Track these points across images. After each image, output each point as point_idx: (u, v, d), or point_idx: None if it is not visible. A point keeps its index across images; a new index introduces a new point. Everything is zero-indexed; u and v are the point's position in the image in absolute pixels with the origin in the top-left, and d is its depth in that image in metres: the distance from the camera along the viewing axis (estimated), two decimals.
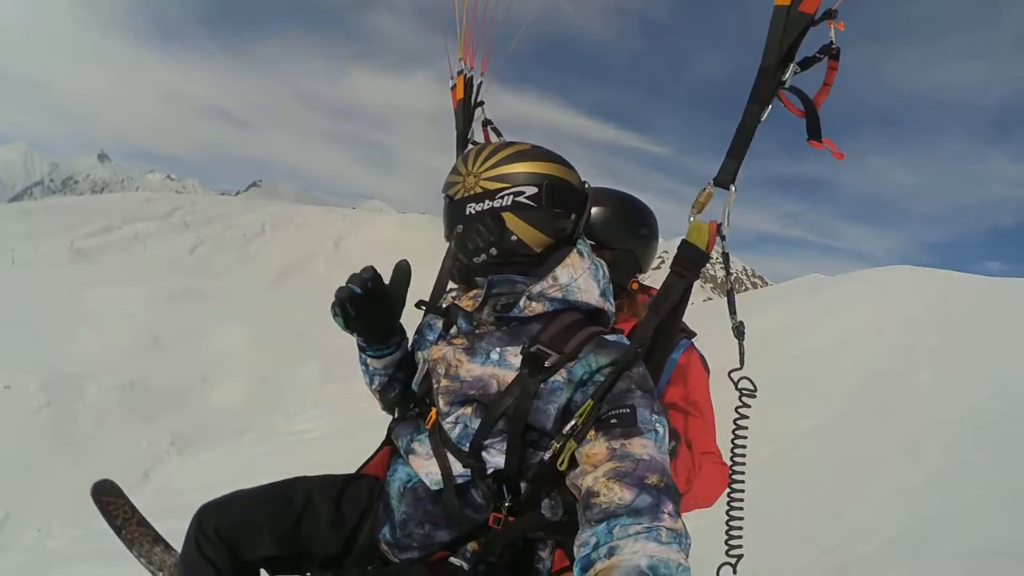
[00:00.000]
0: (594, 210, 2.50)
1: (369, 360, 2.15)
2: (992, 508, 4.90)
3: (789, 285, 20.08)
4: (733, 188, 1.79)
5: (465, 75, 2.77)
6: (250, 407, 13.32)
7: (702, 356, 2.54)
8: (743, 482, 1.95)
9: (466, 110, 2.77)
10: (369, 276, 1.93)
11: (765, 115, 1.73)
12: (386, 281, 2.02)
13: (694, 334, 2.49)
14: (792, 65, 1.70)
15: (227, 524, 2.00)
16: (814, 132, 1.71)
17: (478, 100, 2.79)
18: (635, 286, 2.65)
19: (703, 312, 16.23)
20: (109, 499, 2.63)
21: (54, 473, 9.76)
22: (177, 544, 2.20)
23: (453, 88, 2.81)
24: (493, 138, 2.74)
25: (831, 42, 1.71)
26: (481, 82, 2.77)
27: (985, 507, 4.92)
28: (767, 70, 1.70)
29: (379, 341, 2.10)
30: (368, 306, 1.95)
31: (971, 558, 4.20)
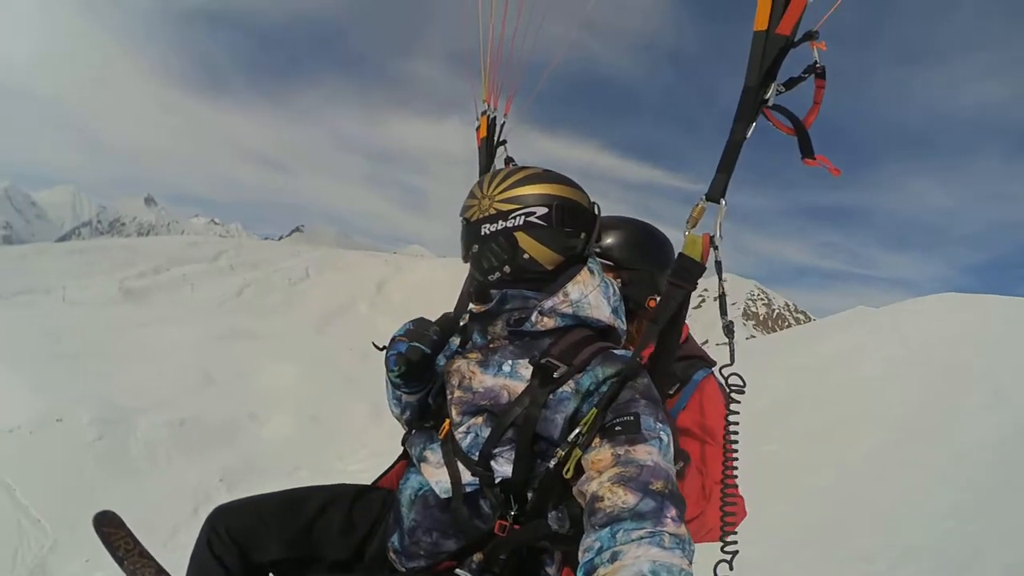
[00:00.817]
0: (612, 235, 2.62)
1: (404, 396, 2.20)
2: None
3: (836, 318, 20.19)
4: (723, 201, 1.83)
5: (488, 116, 2.90)
6: (301, 445, 13.37)
7: (722, 385, 2.43)
8: (736, 476, 1.93)
9: (488, 148, 2.89)
10: (438, 337, 2.03)
11: (750, 132, 1.77)
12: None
13: (714, 363, 2.50)
14: (774, 85, 1.74)
15: (239, 526, 2.08)
16: (806, 150, 1.75)
17: (500, 139, 2.90)
18: (652, 304, 2.67)
19: (745, 348, 16.06)
20: (110, 530, 2.64)
21: (105, 505, 9.61)
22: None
23: (478, 128, 2.94)
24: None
25: (815, 62, 1.75)
26: (504, 122, 2.89)
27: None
28: (749, 90, 1.74)
29: (418, 381, 2.15)
30: (425, 360, 2.03)
31: (1020, 572, 4.54)
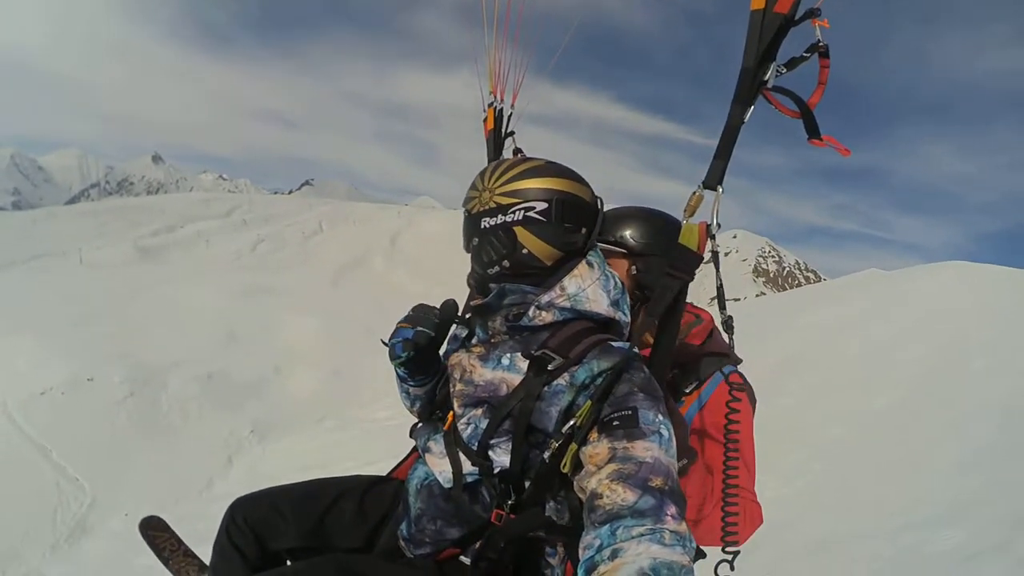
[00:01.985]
0: (628, 225, 2.55)
1: (411, 389, 2.22)
2: None
3: (848, 280, 20.27)
4: (720, 189, 1.80)
5: (495, 107, 2.86)
6: (325, 396, 13.55)
7: (748, 384, 2.39)
8: (736, 477, 1.94)
9: (496, 140, 2.86)
10: (440, 321, 2.03)
11: (748, 116, 1.73)
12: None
13: (739, 360, 2.38)
14: (773, 65, 1.70)
15: (256, 516, 2.15)
16: (812, 131, 1.71)
17: (508, 131, 2.88)
18: None
19: (755, 307, 16.12)
20: (156, 533, 2.73)
21: (140, 461, 9.98)
22: None
23: (484, 120, 2.90)
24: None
25: (818, 40, 1.71)
26: (511, 114, 2.87)
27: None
28: (747, 71, 1.70)
29: (423, 373, 2.17)
30: (430, 346, 2.04)
31: (1016, 521, 4.81)
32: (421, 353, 2.05)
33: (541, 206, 1.87)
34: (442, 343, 2.12)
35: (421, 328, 2.00)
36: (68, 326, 13.24)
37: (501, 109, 2.84)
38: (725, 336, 2.10)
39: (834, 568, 4.99)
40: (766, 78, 1.69)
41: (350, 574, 1.89)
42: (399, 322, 2.06)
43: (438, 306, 2.09)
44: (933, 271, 16.28)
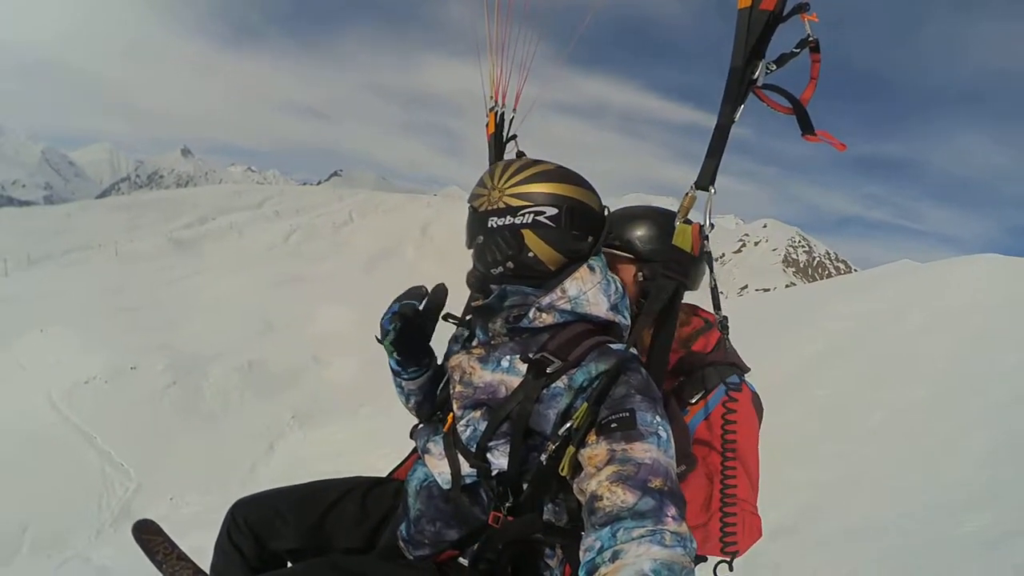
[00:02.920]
0: (637, 227, 2.35)
1: (404, 383, 2.13)
2: None
3: (881, 271, 19.56)
4: (712, 190, 1.72)
5: (496, 112, 2.65)
6: (363, 384, 13.57)
7: (755, 393, 2.30)
8: (734, 481, 1.86)
9: (497, 144, 2.64)
10: (438, 297, 1.95)
11: (738, 115, 1.65)
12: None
13: (747, 369, 2.26)
14: (762, 63, 1.60)
15: (256, 517, 2.05)
16: (805, 127, 1.62)
17: (510, 135, 2.64)
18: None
19: (787, 297, 15.95)
20: (149, 536, 2.65)
21: (184, 447, 10.10)
22: None
23: (487, 125, 2.68)
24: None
25: (808, 35, 1.60)
26: (512, 117, 2.65)
27: None
28: (736, 70, 1.64)
29: (415, 363, 2.09)
30: (418, 324, 1.98)
31: (1007, 527, 4.71)
32: (410, 336, 2.01)
33: (551, 211, 1.80)
34: (433, 329, 2.07)
35: (407, 301, 1.95)
36: (108, 317, 13.44)
37: (502, 113, 2.64)
38: (767, 288, 2.01)
39: (870, 550, 4.94)
40: (755, 76, 1.62)
41: (348, 575, 1.87)
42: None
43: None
44: (967, 263, 15.97)
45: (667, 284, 1.80)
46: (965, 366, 8.84)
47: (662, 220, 2.44)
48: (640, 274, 2.33)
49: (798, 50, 1.62)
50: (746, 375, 2.24)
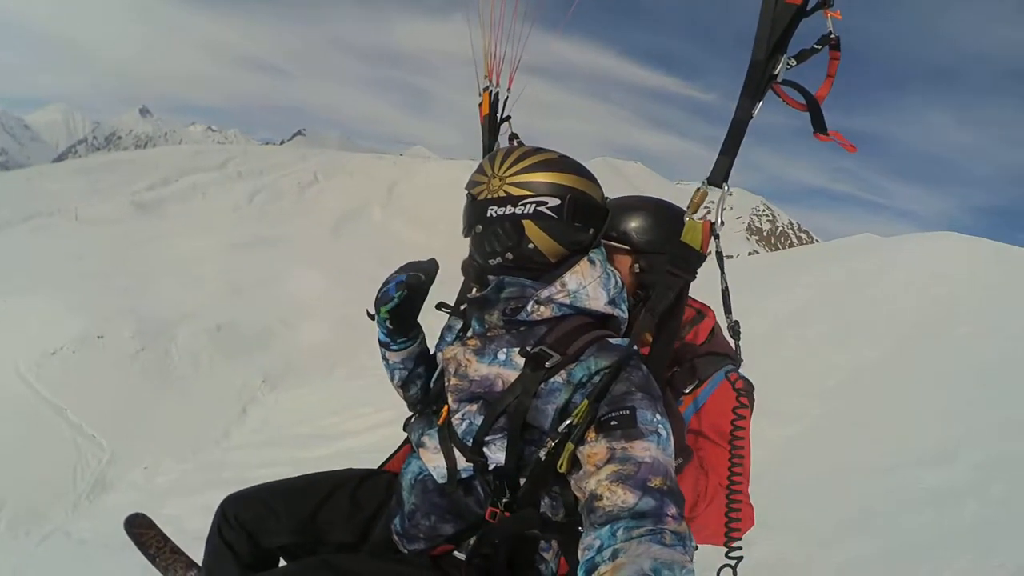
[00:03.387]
0: (633, 218, 2.45)
1: (389, 355, 2.22)
2: (1013, 428, 6.32)
3: (844, 243, 21.04)
4: (726, 187, 1.75)
5: (491, 92, 2.77)
6: (334, 346, 13.69)
7: (747, 382, 2.32)
8: (740, 483, 1.92)
9: (492, 125, 2.77)
10: (430, 272, 2.07)
11: (757, 110, 1.68)
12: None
13: (741, 361, 2.25)
14: (784, 58, 1.64)
15: (248, 513, 2.15)
16: (819, 126, 1.67)
17: (504, 115, 2.79)
18: None
19: (752, 264, 16.57)
20: (141, 531, 2.71)
21: (156, 414, 10.09)
22: None
23: (480, 105, 2.81)
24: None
25: (829, 32, 1.65)
26: (507, 98, 2.78)
27: (1007, 427, 6.37)
28: (757, 64, 1.64)
29: (404, 333, 2.18)
30: (412, 302, 2.10)
31: (991, 464, 5.68)
32: (406, 305, 2.09)
33: (553, 202, 1.83)
34: (422, 304, 2.16)
35: (414, 272, 2.03)
36: (73, 284, 13.24)
37: (497, 93, 2.76)
38: (731, 341, 2.06)
39: (831, 501, 5.49)
40: (776, 71, 1.64)
41: (343, 574, 1.88)
42: (388, 279, 2.08)
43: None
44: (927, 239, 17.05)
45: (673, 282, 1.83)
46: (921, 334, 9.75)
47: (659, 211, 2.50)
48: (636, 265, 2.36)
49: (819, 46, 1.66)
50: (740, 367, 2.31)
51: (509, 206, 1.84)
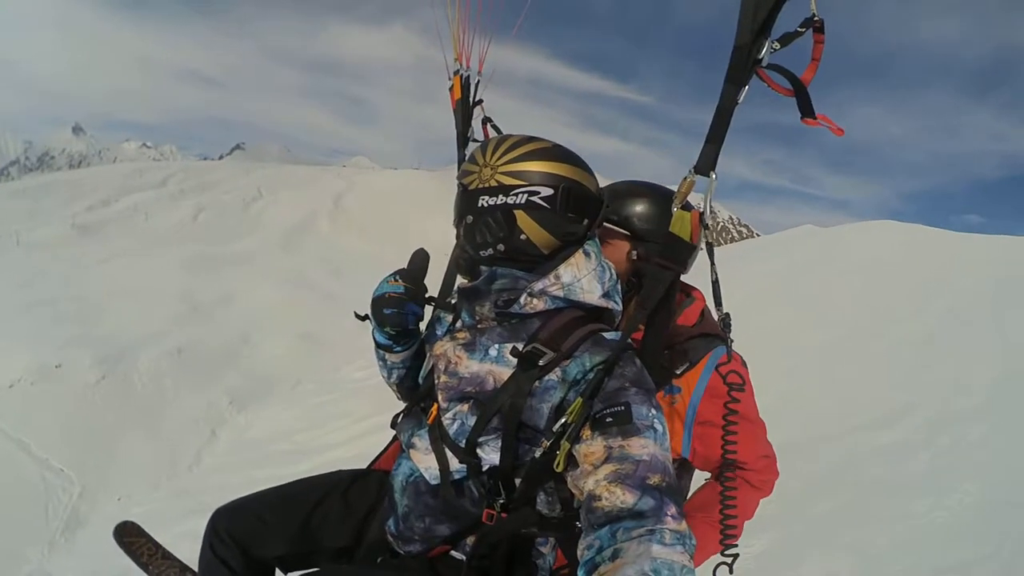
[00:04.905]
0: (636, 204, 2.45)
1: (390, 356, 2.19)
2: (949, 391, 7.27)
3: (786, 235, 22.10)
4: (713, 176, 1.73)
5: (462, 75, 2.72)
6: (297, 361, 13.65)
7: (741, 360, 2.40)
8: (734, 487, 1.99)
9: (464, 109, 2.72)
10: (425, 262, 2.06)
11: (743, 96, 1.66)
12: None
13: (731, 340, 2.19)
14: (768, 42, 1.61)
15: (238, 526, 2.11)
16: (806, 110, 1.64)
17: (476, 99, 2.74)
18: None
19: (701, 259, 17.06)
20: (132, 539, 2.71)
21: (123, 443, 9.89)
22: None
23: (451, 89, 2.76)
24: (493, 135, 2.66)
25: (813, 14, 1.62)
26: (479, 80, 2.73)
27: (945, 390, 7.32)
28: (741, 49, 1.62)
29: (407, 335, 2.14)
30: (411, 300, 2.04)
31: (936, 421, 6.54)
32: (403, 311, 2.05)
33: (546, 192, 1.80)
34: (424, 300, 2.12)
35: (415, 284, 2.03)
36: (22, 313, 12.88)
37: (468, 76, 2.72)
38: (718, 329, 2.07)
39: (799, 463, 6.00)
40: (760, 55, 1.61)
41: None
42: (380, 292, 2.03)
43: (405, 267, 2.09)
44: (865, 228, 18.24)
45: (663, 275, 1.83)
46: (864, 315, 10.53)
47: (662, 200, 2.48)
48: (634, 252, 2.35)
49: (802, 29, 1.62)
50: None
51: (501, 196, 1.81)
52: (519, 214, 1.80)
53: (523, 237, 1.82)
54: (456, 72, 2.71)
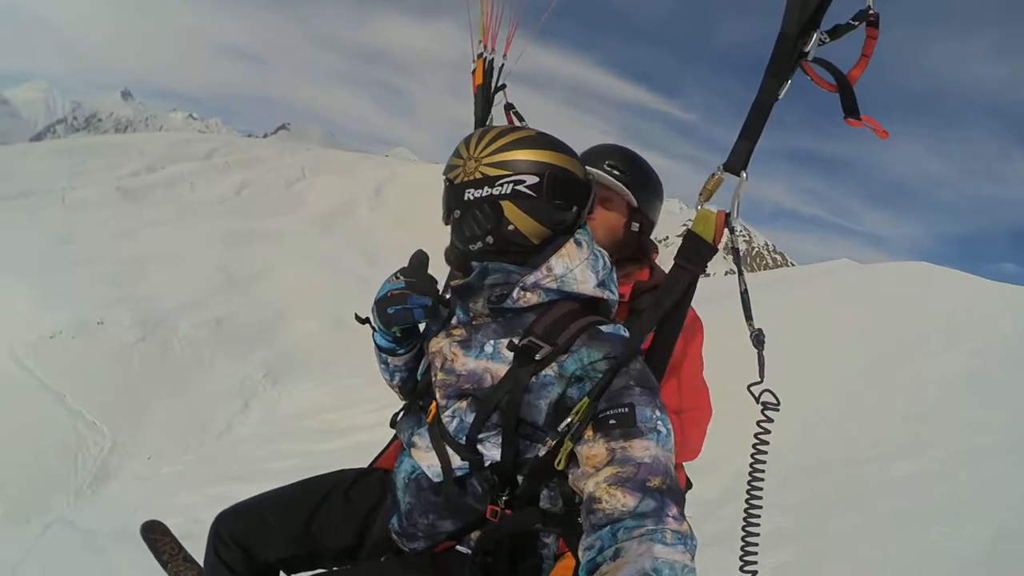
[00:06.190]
0: (648, 176, 2.44)
1: (392, 359, 2.17)
2: (972, 428, 7.22)
3: (823, 267, 22.05)
4: (744, 175, 1.66)
5: (485, 58, 2.63)
6: (330, 343, 13.69)
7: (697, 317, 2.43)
8: (760, 498, 1.86)
9: (485, 95, 2.65)
10: (425, 261, 1.99)
11: (784, 91, 1.56)
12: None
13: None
14: (817, 33, 1.51)
15: (241, 529, 2.11)
16: (850, 109, 1.53)
17: (499, 84, 2.66)
18: (655, 255, 2.59)
19: (724, 285, 17.03)
20: (157, 536, 2.76)
21: (156, 405, 9.96)
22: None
23: (473, 72, 2.66)
24: (516, 123, 2.62)
25: (868, 6, 1.49)
26: (503, 65, 2.64)
27: (968, 427, 7.27)
28: (786, 39, 1.53)
29: (411, 338, 2.12)
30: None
31: (956, 457, 6.48)
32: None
33: (532, 180, 1.76)
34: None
35: (419, 282, 1.96)
36: (65, 268, 13.06)
37: (492, 60, 2.65)
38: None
39: (820, 486, 6.23)
40: (807, 48, 1.52)
41: None
42: (386, 291, 1.98)
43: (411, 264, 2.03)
44: (901, 268, 18.72)
45: (682, 275, 1.82)
46: (894, 348, 10.69)
47: (633, 163, 2.45)
48: (634, 224, 2.32)
49: (856, 23, 1.53)
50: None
51: (486, 187, 1.78)
52: (506, 204, 1.78)
53: (511, 228, 1.79)
54: (480, 55, 2.64)
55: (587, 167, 1.97)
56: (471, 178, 1.80)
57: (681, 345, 2.16)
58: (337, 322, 14.40)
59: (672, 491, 1.44)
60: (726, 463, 5.26)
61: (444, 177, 1.89)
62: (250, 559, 2.10)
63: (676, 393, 2.34)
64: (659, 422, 1.55)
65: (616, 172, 2.36)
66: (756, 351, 1.75)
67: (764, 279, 21.51)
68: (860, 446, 7.14)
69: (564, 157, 1.82)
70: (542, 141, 1.82)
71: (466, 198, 1.81)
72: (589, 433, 1.56)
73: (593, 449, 1.53)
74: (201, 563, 2.50)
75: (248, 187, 27.11)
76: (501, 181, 1.76)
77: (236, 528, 2.11)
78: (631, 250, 2.42)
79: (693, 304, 2.15)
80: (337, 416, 9.73)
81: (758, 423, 1.80)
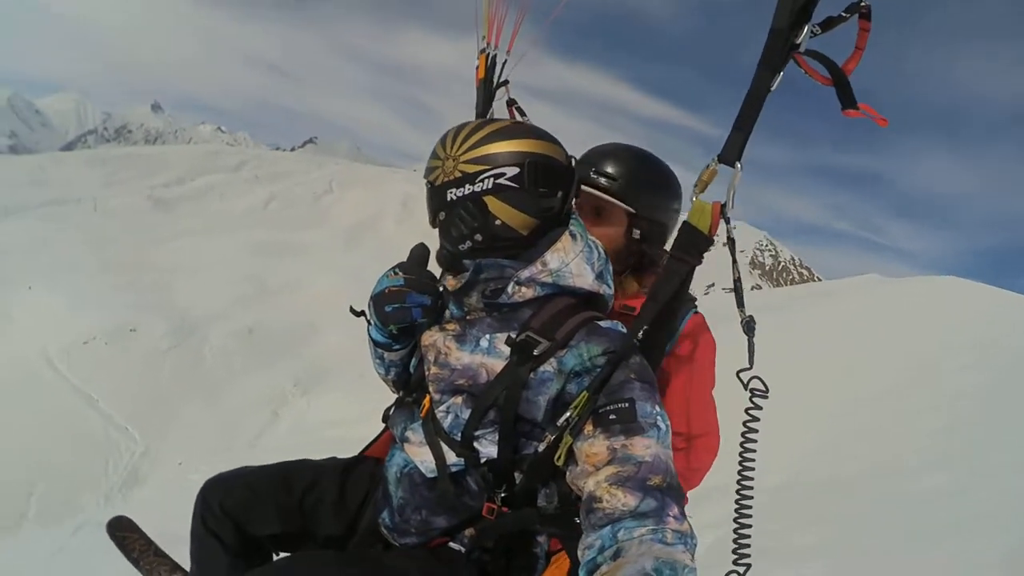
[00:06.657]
0: (647, 177, 2.27)
1: (388, 354, 2.04)
2: (998, 443, 6.91)
3: (850, 282, 21.64)
4: (739, 166, 1.61)
5: (488, 54, 2.56)
6: (359, 354, 13.51)
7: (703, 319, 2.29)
8: (751, 489, 1.77)
9: (487, 90, 2.58)
10: (425, 256, 1.85)
11: (776, 83, 1.53)
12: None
13: (695, 298, 2.17)
14: (808, 26, 1.49)
15: (233, 500, 1.98)
16: (847, 101, 1.50)
17: (502, 79, 2.58)
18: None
19: (756, 299, 16.90)
20: (125, 533, 2.58)
21: (187, 412, 10.06)
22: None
23: (476, 68, 2.59)
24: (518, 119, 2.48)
25: None
26: (506, 60, 2.56)
27: (994, 443, 6.97)
28: (778, 32, 1.50)
29: (409, 334, 1.98)
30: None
31: (980, 472, 6.19)
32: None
33: (512, 171, 1.69)
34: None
35: (418, 279, 1.84)
36: (98, 275, 13.24)
37: (494, 56, 2.57)
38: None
39: (849, 498, 6.13)
40: (799, 40, 1.50)
41: (362, 562, 1.83)
42: (384, 287, 1.85)
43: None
44: (931, 282, 18.30)
45: (679, 267, 1.75)
46: (922, 364, 10.39)
47: (652, 169, 2.30)
48: (635, 231, 2.19)
49: (847, 15, 1.50)
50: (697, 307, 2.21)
51: (467, 185, 1.69)
52: (489, 200, 1.69)
53: (498, 223, 1.71)
54: (482, 51, 2.57)
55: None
56: (451, 178, 1.72)
57: (688, 350, 2.13)
58: (363, 335, 14.49)
59: (673, 490, 1.41)
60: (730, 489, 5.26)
61: (425, 180, 1.82)
62: (239, 531, 2.00)
63: (685, 415, 2.23)
64: (658, 417, 1.52)
65: (603, 180, 2.24)
66: (747, 338, 1.72)
67: (792, 294, 21.31)
68: (883, 461, 7.04)
69: (542, 143, 1.76)
70: (518, 130, 1.76)
71: (449, 199, 1.73)
72: (589, 428, 1.51)
73: (593, 447, 1.48)
74: (175, 559, 2.45)
75: (276, 199, 27.38)
76: (481, 177, 1.69)
77: (227, 499, 2.00)
78: (635, 260, 2.31)
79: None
80: (366, 428, 9.50)
81: (746, 410, 1.73)
